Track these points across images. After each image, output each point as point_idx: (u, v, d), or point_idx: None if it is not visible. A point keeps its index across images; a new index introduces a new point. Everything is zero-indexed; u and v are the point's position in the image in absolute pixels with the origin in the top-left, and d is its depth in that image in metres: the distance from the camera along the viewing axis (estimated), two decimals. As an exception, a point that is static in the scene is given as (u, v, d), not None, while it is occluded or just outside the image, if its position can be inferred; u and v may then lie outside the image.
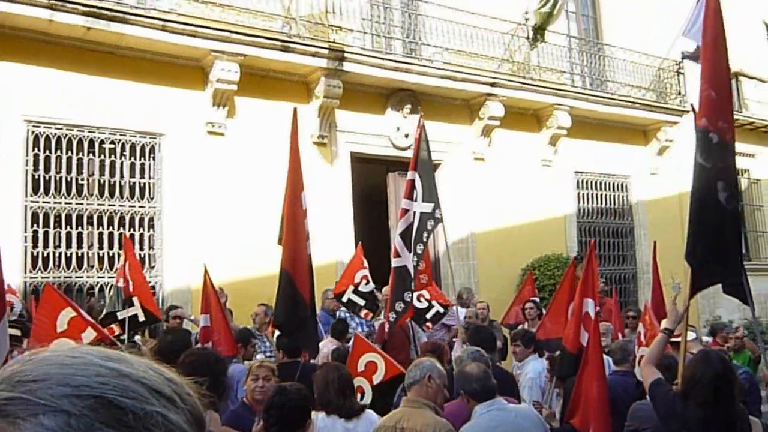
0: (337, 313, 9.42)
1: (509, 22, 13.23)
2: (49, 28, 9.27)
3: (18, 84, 9.23)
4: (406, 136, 12.28)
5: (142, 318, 7.49)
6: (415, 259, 7.69)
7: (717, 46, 4.39)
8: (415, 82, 12.09)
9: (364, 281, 9.16)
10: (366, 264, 9.38)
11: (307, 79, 11.29)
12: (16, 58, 9.25)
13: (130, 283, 7.49)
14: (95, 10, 9.35)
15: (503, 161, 13.54)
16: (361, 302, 9.20)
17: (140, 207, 10.15)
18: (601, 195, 15.24)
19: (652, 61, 15.27)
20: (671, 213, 15.63)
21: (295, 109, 5.89)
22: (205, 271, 6.68)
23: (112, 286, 9.75)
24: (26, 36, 9.30)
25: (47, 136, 9.48)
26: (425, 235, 7.71)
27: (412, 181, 7.80)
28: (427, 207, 7.74)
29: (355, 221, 11.81)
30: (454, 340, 9.27)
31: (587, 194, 14.99)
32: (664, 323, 4.39)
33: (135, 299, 7.45)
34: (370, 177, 12.73)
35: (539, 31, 13.49)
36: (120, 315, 7.41)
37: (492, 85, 12.81)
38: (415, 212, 7.70)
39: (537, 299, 10.79)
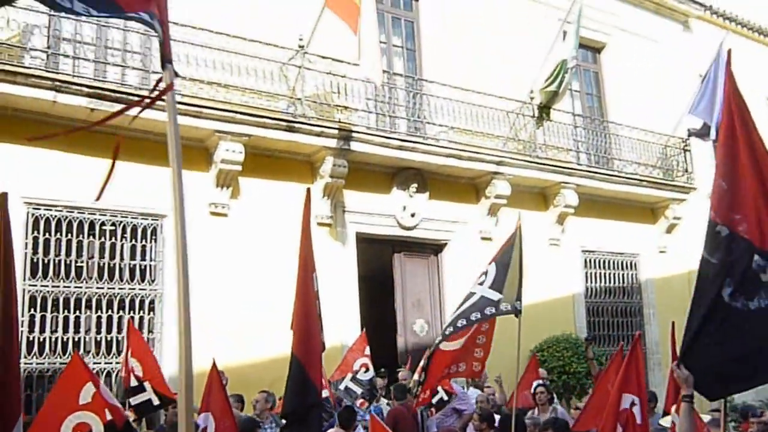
0: (344, 402, 9.07)
1: (514, 101, 13.23)
2: (52, 110, 9.20)
3: (19, 165, 9.09)
4: (413, 215, 12.12)
5: (156, 402, 7.25)
6: (450, 329, 7.57)
7: (729, 133, 4.16)
8: (421, 160, 11.99)
9: (363, 369, 8.91)
10: (368, 351, 9.11)
11: (312, 159, 11.18)
12: (18, 140, 9.13)
13: (137, 368, 7.22)
14: (99, 91, 9.30)
15: (511, 240, 13.30)
16: (358, 390, 8.91)
17: (141, 290, 9.88)
18: (610, 274, 14.96)
19: (658, 138, 15.24)
20: (680, 292, 15.29)
21: (308, 190, 5.71)
22: (213, 365, 6.31)
23: (112, 372, 9.43)
24: (29, 117, 9.21)
25: (47, 218, 9.30)
26: (476, 315, 7.53)
27: (485, 272, 7.84)
28: (493, 295, 7.61)
29: (361, 302, 11.51)
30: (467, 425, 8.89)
31: (595, 273, 14.72)
32: (682, 391, 4.05)
33: (147, 384, 7.20)
34: (377, 257, 12.50)
35: (544, 109, 13.50)
36: (133, 401, 7.18)
37: (498, 163, 12.70)
38: (474, 293, 7.67)
39: (547, 382, 10.40)
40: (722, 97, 4.40)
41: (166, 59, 3.46)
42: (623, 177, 14.55)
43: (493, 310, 7.56)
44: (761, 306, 3.92)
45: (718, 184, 4.10)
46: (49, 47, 9.44)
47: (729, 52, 4.53)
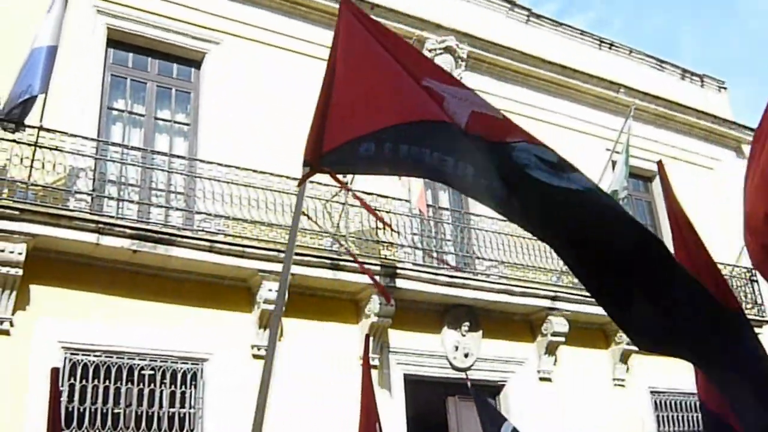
0: None
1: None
2: (94, 252, 9.10)
3: (57, 309, 8.90)
4: (466, 355, 11.48)
5: None
6: None
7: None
8: (472, 297, 11.47)
9: None
10: None
11: (358, 298, 10.78)
12: (57, 283, 9.00)
13: None
14: (142, 232, 9.21)
15: (572, 381, 12.50)
16: None
17: (178, 440, 9.34)
18: (683, 417, 13.81)
19: (721, 269, 14.46)
20: (763, 435, 14.06)
21: (367, 337, 5.40)
22: None
23: None
24: (70, 260, 9.10)
25: (85, 363, 8.97)
26: None
27: None
28: None
29: (412, 451, 10.72)
30: None
31: (668, 416, 13.60)
32: None
33: None
34: (428, 402, 11.75)
35: (597, 241, 12.97)
36: None
37: (553, 299, 12.11)
38: None
39: None
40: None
41: None
42: (688, 311, 13.71)
43: None
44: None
45: None
46: (94, 189, 9.48)
47: (660, 163, 4.12)
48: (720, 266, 13.36)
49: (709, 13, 46.24)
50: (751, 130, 17.05)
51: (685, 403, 13.85)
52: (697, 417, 13.90)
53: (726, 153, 17.09)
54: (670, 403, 13.69)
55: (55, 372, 3.57)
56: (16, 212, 8.54)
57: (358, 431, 5.47)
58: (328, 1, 12.17)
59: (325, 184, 10.65)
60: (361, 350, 10.40)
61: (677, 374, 13.61)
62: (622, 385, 13.10)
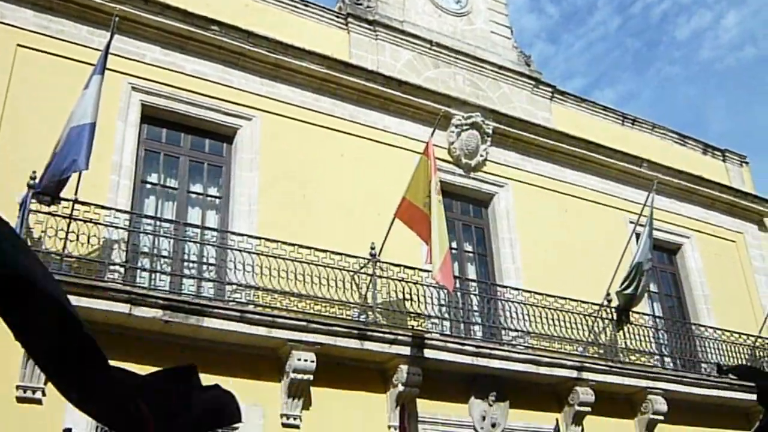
0: None
1: (591, 304, 12.81)
2: (126, 322, 9.17)
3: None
4: (493, 425, 11.40)
5: None
6: None
7: None
8: (498, 367, 11.43)
9: None
10: None
11: (385, 368, 10.79)
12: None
13: None
14: (174, 303, 9.32)
15: (598, 452, 12.35)
16: None
17: None
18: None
19: (745, 339, 14.42)
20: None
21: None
22: None
23: None
24: (102, 330, 9.11)
25: None
26: None
27: None
28: None
29: None
30: None
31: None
32: None
33: None
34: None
35: (623, 312, 12.99)
36: None
37: (579, 369, 12.07)
38: None
39: None
40: None
41: None
42: (713, 381, 13.61)
43: None
44: None
45: None
46: (127, 261, 9.62)
47: None
48: (743, 337, 13.36)
49: (737, 83, 46.49)
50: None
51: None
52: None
53: (748, 226, 17.17)
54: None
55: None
56: (51, 283, 8.68)
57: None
58: (355, 78, 12.58)
59: (353, 256, 10.82)
60: (388, 419, 10.46)
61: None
62: (647, 456, 12.93)
